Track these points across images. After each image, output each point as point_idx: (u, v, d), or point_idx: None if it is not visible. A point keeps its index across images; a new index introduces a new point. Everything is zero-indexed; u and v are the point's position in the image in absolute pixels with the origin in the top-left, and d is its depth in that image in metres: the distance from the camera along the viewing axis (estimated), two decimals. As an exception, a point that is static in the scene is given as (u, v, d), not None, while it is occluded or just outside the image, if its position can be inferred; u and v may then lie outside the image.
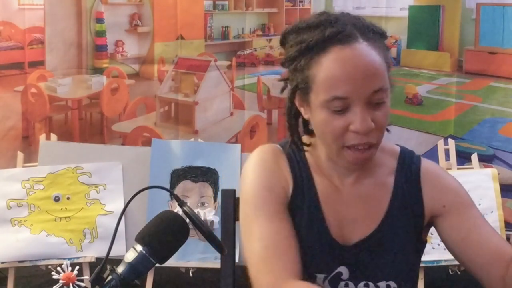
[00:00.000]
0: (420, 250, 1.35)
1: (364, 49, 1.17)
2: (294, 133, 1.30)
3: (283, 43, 1.27)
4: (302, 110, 1.26)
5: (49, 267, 2.87)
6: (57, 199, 3.03)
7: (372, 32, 1.20)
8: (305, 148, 1.31)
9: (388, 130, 1.32)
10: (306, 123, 1.31)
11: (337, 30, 1.17)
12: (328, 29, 1.17)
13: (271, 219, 1.23)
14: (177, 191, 3.09)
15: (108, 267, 1.08)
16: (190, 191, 3.11)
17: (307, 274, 1.26)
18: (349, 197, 1.30)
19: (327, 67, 1.17)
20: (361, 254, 1.27)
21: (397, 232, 1.28)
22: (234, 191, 1.52)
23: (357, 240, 1.28)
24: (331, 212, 1.29)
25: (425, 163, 1.34)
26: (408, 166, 1.32)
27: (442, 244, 1.35)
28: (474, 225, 1.28)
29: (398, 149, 1.36)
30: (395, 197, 1.30)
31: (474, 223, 1.29)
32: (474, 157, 3.15)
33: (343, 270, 1.27)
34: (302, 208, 1.28)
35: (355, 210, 1.29)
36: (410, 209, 1.30)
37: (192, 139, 3.44)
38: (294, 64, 1.22)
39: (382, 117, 1.19)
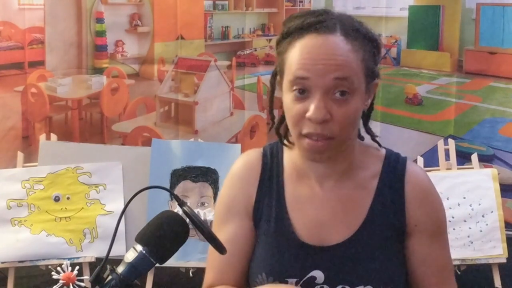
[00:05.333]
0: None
1: (337, 41, 1.18)
2: (274, 119, 1.35)
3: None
4: (282, 97, 1.27)
5: (49, 267, 2.87)
6: (57, 199, 3.02)
7: (357, 31, 1.20)
8: (289, 146, 1.33)
9: (379, 145, 1.33)
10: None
11: (317, 20, 1.20)
12: (310, 18, 1.21)
13: (220, 228, 1.34)
14: (177, 191, 3.09)
15: (108, 267, 1.08)
16: (190, 191, 3.11)
17: (278, 279, 1.27)
18: (328, 200, 1.30)
19: (298, 50, 1.19)
20: (339, 257, 1.26)
21: (377, 236, 1.27)
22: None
23: (334, 243, 1.27)
24: (302, 216, 1.29)
25: (411, 168, 1.32)
26: (393, 169, 1.31)
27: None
28: (427, 257, 1.30)
29: (383, 151, 1.35)
30: (377, 201, 1.29)
31: (429, 255, 1.30)
32: (474, 157, 3.15)
33: (317, 274, 1.26)
34: (269, 215, 1.31)
35: (333, 213, 1.29)
36: (392, 213, 1.29)
37: (192, 139, 3.44)
38: (278, 49, 1.26)
39: (342, 113, 1.18)
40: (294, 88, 1.19)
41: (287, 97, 1.22)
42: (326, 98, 1.17)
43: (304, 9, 4.12)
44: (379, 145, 1.35)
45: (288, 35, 1.22)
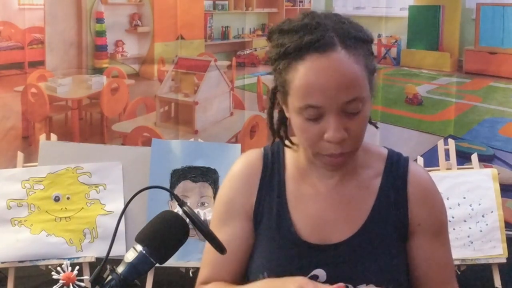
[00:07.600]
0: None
1: (341, 59, 1.15)
2: (275, 133, 1.33)
3: (269, 39, 1.27)
4: (284, 108, 1.27)
5: (49, 267, 2.87)
6: (57, 199, 3.02)
7: (354, 38, 1.18)
8: (291, 147, 1.32)
9: (376, 127, 1.34)
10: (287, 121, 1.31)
11: (315, 38, 1.16)
12: (306, 36, 1.17)
13: (218, 229, 1.32)
14: (177, 191, 3.09)
15: (108, 267, 1.08)
16: (190, 191, 3.11)
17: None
18: (331, 198, 1.30)
19: (303, 75, 1.16)
20: (341, 255, 1.27)
21: (379, 235, 1.28)
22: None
23: (337, 241, 1.27)
24: (303, 215, 1.30)
25: (413, 167, 1.33)
26: (396, 169, 1.32)
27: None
28: (430, 256, 1.31)
29: (385, 151, 1.35)
30: (380, 200, 1.29)
31: (432, 254, 1.31)
32: (474, 157, 3.15)
33: (320, 272, 1.26)
34: (270, 213, 1.31)
35: (336, 212, 1.29)
36: (394, 212, 1.29)
37: (192, 139, 3.44)
38: (274, 66, 1.24)
39: (357, 126, 1.19)
40: (307, 115, 1.18)
41: (297, 118, 1.20)
42: (340, 116, 1.17)
43: (303, 9, 4.13)
44: (376, 127, 1.35)
45: (286, 55, 1.19)
